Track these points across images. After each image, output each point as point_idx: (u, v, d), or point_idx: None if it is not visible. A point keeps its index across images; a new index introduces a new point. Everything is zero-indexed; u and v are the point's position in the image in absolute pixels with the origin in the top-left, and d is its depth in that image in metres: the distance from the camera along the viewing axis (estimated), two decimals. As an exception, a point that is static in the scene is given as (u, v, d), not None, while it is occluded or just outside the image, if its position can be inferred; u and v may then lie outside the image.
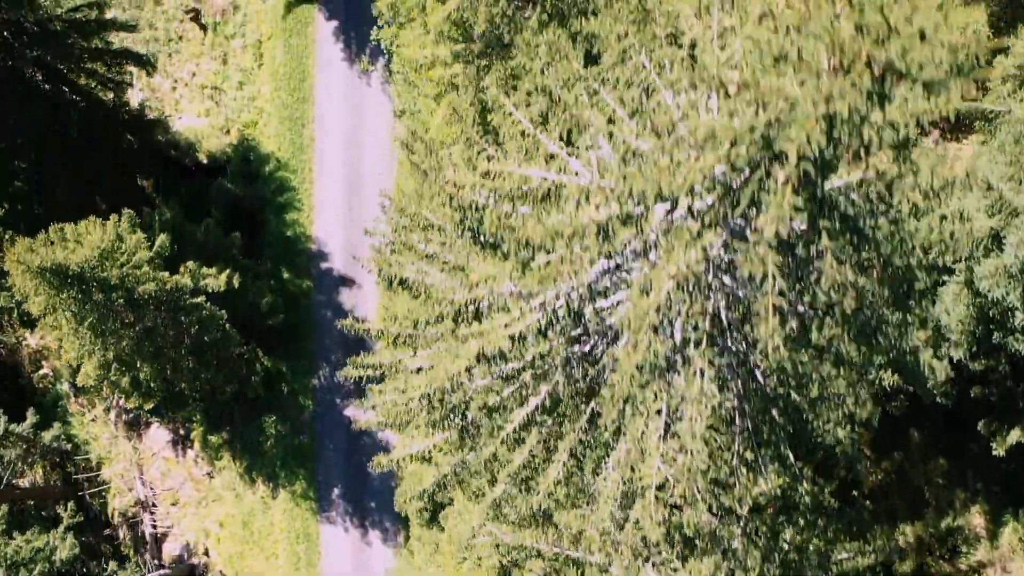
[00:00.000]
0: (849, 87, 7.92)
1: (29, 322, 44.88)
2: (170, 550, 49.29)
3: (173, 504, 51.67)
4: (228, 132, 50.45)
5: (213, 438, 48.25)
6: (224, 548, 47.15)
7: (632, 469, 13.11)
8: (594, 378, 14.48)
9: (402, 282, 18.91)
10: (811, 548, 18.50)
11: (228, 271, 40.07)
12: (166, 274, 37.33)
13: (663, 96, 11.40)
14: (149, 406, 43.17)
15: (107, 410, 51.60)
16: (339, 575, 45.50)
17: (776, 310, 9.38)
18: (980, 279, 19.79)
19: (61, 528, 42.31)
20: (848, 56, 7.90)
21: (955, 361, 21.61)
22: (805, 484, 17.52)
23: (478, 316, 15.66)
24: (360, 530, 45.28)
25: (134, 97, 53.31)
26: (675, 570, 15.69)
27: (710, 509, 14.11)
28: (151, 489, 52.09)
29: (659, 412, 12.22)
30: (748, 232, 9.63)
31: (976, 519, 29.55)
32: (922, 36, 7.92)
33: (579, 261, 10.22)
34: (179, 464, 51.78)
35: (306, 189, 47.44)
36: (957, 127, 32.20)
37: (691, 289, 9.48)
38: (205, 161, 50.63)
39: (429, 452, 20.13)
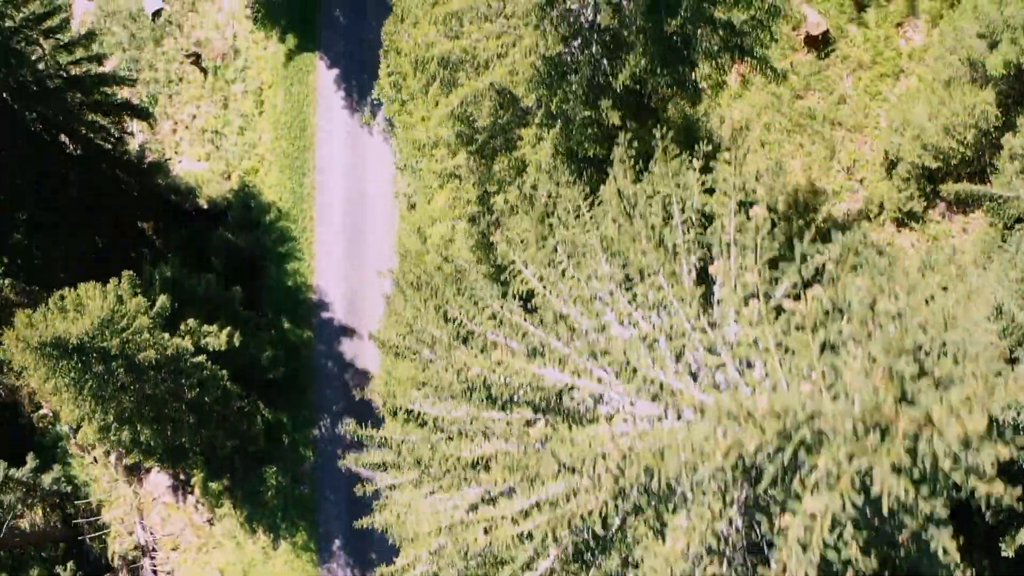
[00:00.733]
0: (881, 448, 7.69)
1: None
2: (171, 598, 49.12)
3: (173, 549, 51.47)
4: (229, 177, 50.20)
5: (214, 485, 48.04)
6: (225, 599, 46.99)
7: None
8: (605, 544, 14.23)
9: (408, 412, 18.69)
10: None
11: (229, 329, 39.90)
12: (167, 335, 37.13)
13: (690, 357, 11.17)
14: (150, 463, 43.00)
15: (107, 453, 51.48)
16: (340, 630, 45.33)
17: None
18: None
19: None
20: (883, 421, 7.68)
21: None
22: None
23: (487, 466, 15.51)
24: (362, 584, 45.11)
25: (134, 139, 53.08)
26: None
27: None
28: (151, 534, 51.89)
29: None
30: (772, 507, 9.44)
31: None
32: (966, 443, 7.66)
33: (593, 501, 10.01)
34: (179, 509, 51.59)
35: (307, 239, 47.19)
36: (964, 203, 31.98)
37: (711, 548, 9.32)
38: (206, 206, 50.38)
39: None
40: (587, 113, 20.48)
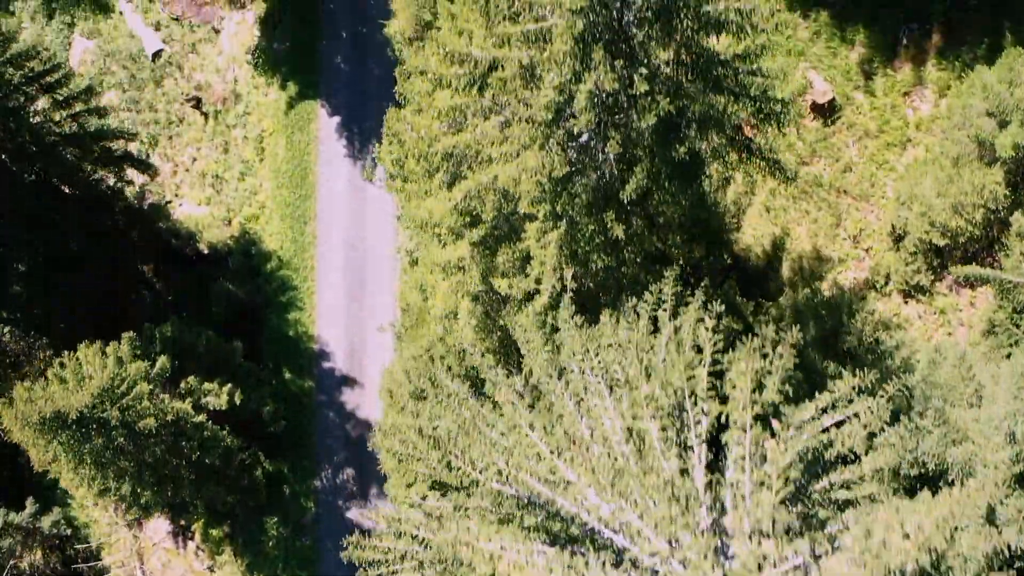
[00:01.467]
0: None
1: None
2: (171, 648, 48.89)
3: (174, 595, 51.23)
4: (229, 223, 49.88)
5: (214, 532, 47.80)
6: (225, 650, 46.74)
7: None
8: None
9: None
10: None
11: (230, 387, 39.63)
12: (167, 398, 36.93)
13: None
14: (150, 520, 42.76)
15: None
16: None
17: None
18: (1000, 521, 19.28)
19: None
20: None
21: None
22: None
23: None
24: (363, 640, 44.77)
25: (134, 182, 52.78)
26: None
27: None
28: (151, 579, 51.65)
29: None
30: None
31: None
32: None
33: None
34: (180, 556, 51.33)
35: (308, 288, 46.89)
36: (971, 281, 31.67)
37: None
38: (206, 251, 50.07)
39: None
40: (593, 227, 20.16)
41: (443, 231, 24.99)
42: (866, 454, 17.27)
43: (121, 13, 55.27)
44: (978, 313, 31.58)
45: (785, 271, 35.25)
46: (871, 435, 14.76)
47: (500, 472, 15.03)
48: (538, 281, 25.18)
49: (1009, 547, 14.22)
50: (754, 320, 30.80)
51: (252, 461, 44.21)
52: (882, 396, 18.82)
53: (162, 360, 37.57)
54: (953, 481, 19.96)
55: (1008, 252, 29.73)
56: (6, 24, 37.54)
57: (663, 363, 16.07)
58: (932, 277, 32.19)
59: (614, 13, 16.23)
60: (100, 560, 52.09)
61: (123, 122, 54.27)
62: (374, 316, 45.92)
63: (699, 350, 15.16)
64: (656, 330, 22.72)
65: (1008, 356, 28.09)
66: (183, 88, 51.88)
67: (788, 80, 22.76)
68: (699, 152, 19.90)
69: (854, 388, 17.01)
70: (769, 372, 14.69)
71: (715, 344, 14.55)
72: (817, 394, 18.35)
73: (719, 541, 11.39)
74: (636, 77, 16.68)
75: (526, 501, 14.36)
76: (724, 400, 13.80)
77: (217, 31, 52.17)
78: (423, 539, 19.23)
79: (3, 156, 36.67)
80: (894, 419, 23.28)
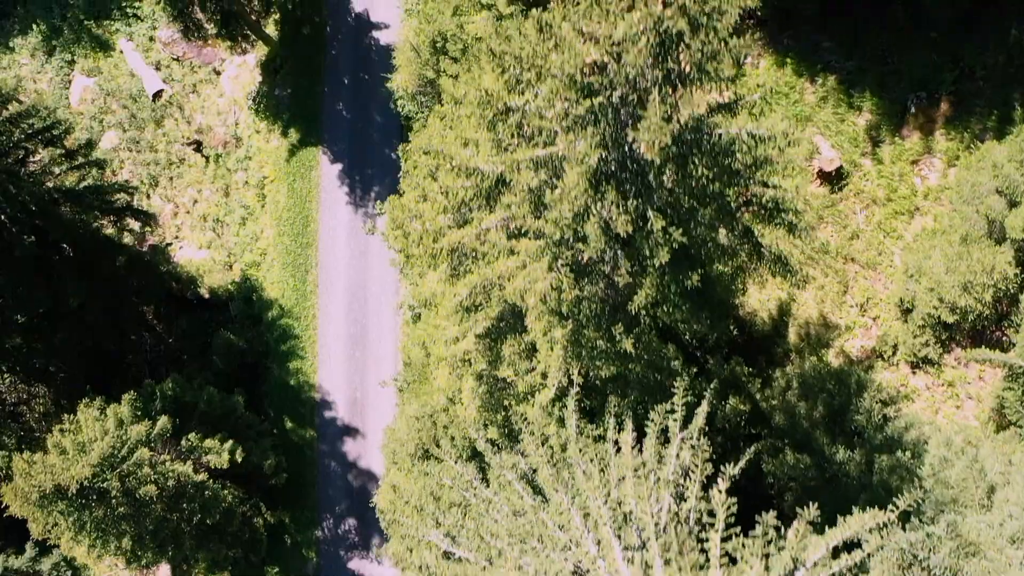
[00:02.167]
0: None
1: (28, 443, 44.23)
2: None
3: (174, 640, 50.91)
4: (230, 268, 49.57)
5: (215, 578, 47.47)
6: None
7: None
8: None
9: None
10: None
11: (231, 444, 39.34)
12: (167, 458, 36.69)
13: None
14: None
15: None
16: None
17: None
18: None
19: None
20: None
21: None
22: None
23: None
24: None
25: (134, 226, 52.50)
26: None
27: None
28: (152, 624, 51.39)
29: None
30: None
31: None
32: None
33: None
34: (181, 600, 50.98)
35: (310, 337, 46.57)
36: (980, 345, 31.39)
37: None
38: (207, 296, 49.75)
39: None
40: (601, 343, 19.86)
41: (448, 326, 24.69)
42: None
43: (121, 52, 54.95)
44: (987, 388, 31.31)
45: (791, 336, 34.94)
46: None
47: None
48: (544, 375, 24.93)
49: None
50: (761, 397, 30.52)
51: (253, 513, 43.91)
52: (892, 510, 18.61)
53: (162, 420, 37.30)
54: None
55: (1017, 328, 29.48)
56: (4, 84, 37.10)
57: (675, 529, 15.76)
58: (940, 350, 31.89)
59: (626, 149, 15.91)
60: (101, 604, 51.80)
61: (123, 162, 54.03)
62: (377, 365, 45.65)
63: (711, 513, 14.83)
64: (667, 440, 22.48)
65: (1022, 440, 27.84)
66: (184, 131, 51.56)
67: (800, 184, 22.40)
68: (712, 276, 19.61)
69: (867, 528, 16.76)
70: (781, 548, 14.37)
71: (728, 508, 14.23)
72: (828, 529, 18.14)
73: None
74: (651, 213, 16.38)
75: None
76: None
77: (218, 72, 51.86)
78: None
79: (2, 217, 36.35)
80: (903, 518, 23.05)
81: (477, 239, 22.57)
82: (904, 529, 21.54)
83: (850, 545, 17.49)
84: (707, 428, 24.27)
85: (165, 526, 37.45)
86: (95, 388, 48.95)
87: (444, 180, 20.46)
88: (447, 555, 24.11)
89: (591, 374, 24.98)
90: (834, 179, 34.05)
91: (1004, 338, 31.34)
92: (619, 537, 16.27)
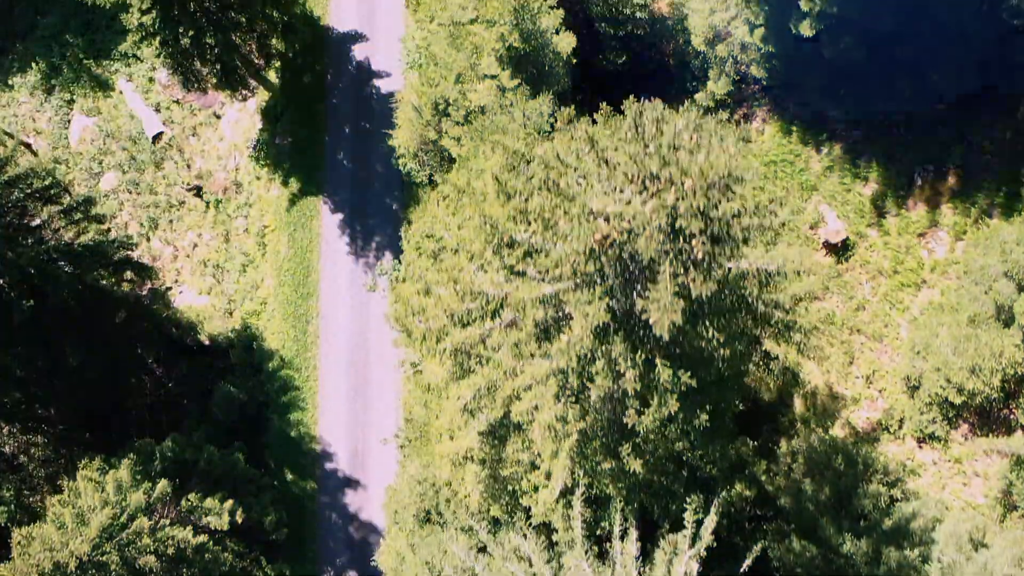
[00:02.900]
0: None
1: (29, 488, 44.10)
2: None
3: None
4: (231, 315, 49.25)
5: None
6: None
7: None
8: None
9: None
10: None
11: (231, 504, 39.07)
12: (166, 521, 36.45)
13: None
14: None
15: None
16: None
17: None
18: None
19: None
20: None
21: None
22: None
23: None
24: None
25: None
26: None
27: None
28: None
29: None
30: None
31: None
32: None
33: None
34: (180, 648, 50.64)
35: (311, 388, 46.27)
36: (988, 426, 31.15)
37: None
38: (207, 343, 49.46)
39: None
40: (608, 466, 19.59)
41: (451, 426, 24.43)
42: None
43: (121, 92, 54.59)
44: (994, 467, 31.04)
45: (797, 406, 34.67)
46: None
47: None
48: (548, 475, 24.65)
49: None
50: (767, 479, 30.27)
51: (253, 567, 43.64)
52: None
53: (162, 484, 37.08)
54: None
55: (1025, 412, 29.24)
56: (3, 149, 36.85)
57: None
58: (947, 427, 31.64)
59: (635, 308, 15.60)
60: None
61: (123, 204, 53.70)
62: (378, 417, 45.37)
63: None
64: (675, 552, 22.22)
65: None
66: (184, 177, 51.22)
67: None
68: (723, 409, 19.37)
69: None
70: None
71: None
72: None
73: None
74: (659, 362, 16.10)
75: None
76: None
77: (218, 116, 51.50)
78: None
79: (1, 283, 36.11)
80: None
81: (481, 342, 22.31)
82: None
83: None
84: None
85: (166, 590, 37.19)
86: (94, 433, 48.84)
87: (448, 301, 20.18)
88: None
89: (597, 481, 24.71)
90: (840, 250, 33.75)
91: (1012, 416, 31.11)
92: None
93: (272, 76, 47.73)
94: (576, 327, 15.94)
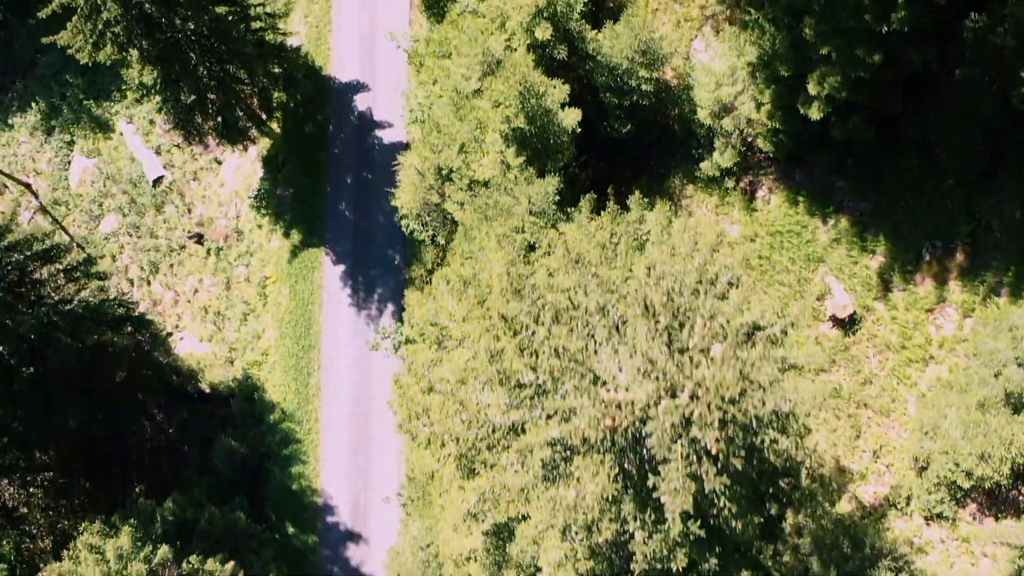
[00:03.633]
0: None
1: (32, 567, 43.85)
2: None
3: None
4: (232, 363, 48.95)
5: None
6: None
7: None
8: None
9: None
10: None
11: (232, 566, 38.84)
12: (168, 591, 36.28)
13: None
14: None
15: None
16: None
17: None
18: None
19: None
20: None
21: None
22: None
23: None
24: None
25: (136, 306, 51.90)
26: None
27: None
28: None
29: None
30: None
31: None
32: None
33: None
34: None
35: (312, 440, 45.99)
36: (997, 508, 30.87)
37: None
38: (208, 391, 49.23)
39: None
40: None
41: (456, 525, 24.14)
42: None
43: (122, 134, 54.27)
44: (1003, 549, 30.74)
45: (803, 478, 34.33)
46: None
47: None
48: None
49: None
50: (773, 564, 29.98)
51: (254, 624, 43.41)
52: None
53: (162, 551, 36.90)
54: None
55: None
56: (2, 216, 36.61)
57: None
58: (956, 508, 31.35)
59: (646, 466, 15.32)
60: None
61: (123, 247, 53.40)
62: (381, 472, 45.08)
63: None
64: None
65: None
66: (185, 224, 50.89)
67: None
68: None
69: None
70: None
71: None
72: None
73: None
74: (669, 516, 15.82)
75: None
76: None
77: (219, 162, 51.17)
78: None
79: (1, 349, 35.88)
80: None
81: (487, 449, 22.04)
82: None
83: None
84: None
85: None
86: (94, 480, 48.61)
87: (453, 427, 19.90)
88: None
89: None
90: (847, 324, 33.46)
91: (1021, 498, 30.84)
92: None
93: (274, 125, 47.38)
94: (585, 496, 15.66)
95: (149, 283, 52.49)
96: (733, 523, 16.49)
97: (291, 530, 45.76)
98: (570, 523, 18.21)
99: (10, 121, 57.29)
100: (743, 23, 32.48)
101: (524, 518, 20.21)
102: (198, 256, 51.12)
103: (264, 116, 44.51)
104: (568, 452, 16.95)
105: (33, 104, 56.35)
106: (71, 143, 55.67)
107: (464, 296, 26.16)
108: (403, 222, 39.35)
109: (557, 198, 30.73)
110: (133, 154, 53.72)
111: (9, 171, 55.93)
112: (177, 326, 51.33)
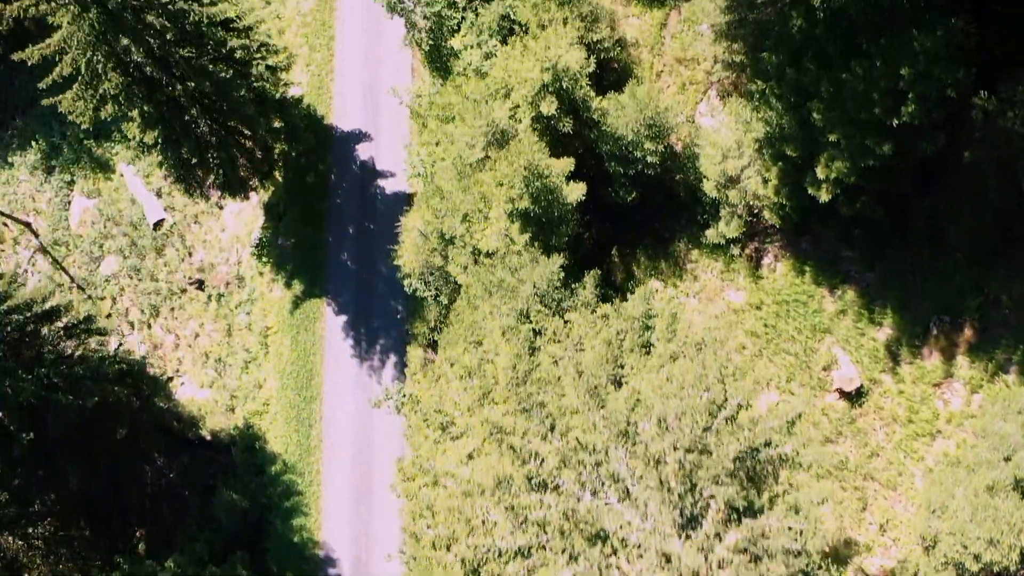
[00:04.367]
0: None
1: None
2: None
3: None
4: (233, 411, 48.70)
5: None
6: None
7: None
8: None
9: None
10: None
11: (235, 628, 38.69)
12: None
13: None
14: None
15: None
16: None
17: None
18: None
19: None
20: None
21: None
22: None
23: None
24: None
25: (136, 349, 51.67)
26: None
27: None
28: None
29: None
30: None
31: None
32: None
33: None
34: None
35: (314, 492, 45.72)
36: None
37: None
38: (209, 438, 48.98)
39: None
40: None
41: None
42: None
43: (122, 175, 53.97)
44: (1011, 629, 30.41)
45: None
46: None
47: None
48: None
49: None
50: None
51: (256, 678, 43.29)
52: None
53: (165, 617, 36.61)
54: None
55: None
56: (2, 282, 36.36)
57: None
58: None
59: None
60: None
61: (123, 289, 53.13)
62: (383, 525, 44.78)
63: None
64: None
65: None
66: (186, 270, 50.60)
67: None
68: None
69: None
70: None
71: None
72: None
73: None
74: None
75: None
76: None
77: (220, 207, 50.87)
78: None
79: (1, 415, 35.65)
80: None
81: (494, 558, 21.77)
82: None
83: None
84: None
85: None
86: (95, 528, 48.32)
87: (458, 549, 19.66)
88: None
89: None
90: (853, 397, 33.20)
91: (1029, 578, 30.49)
92: None
93: (275, 174, 47.07)
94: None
95: (150, 326, 52.21)
96: None
97: (293, 583, 45.53)
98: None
99: (10, 159, 57.00)
100: (749, 93, 32.23)
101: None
102: (199, 301, 50.85)
103: (266, 168, 44.20)
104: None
105: (33, 143, 56.08)
106: (71, 183, 55.38)
107: (469, 387, 25.89)
108: (405, 281, 39.09)
109: (562, 274, 30.44)
110: (134, 196, 53.44)
111: (9, 210, 55.67)
112: (178, 370, 51.07)
